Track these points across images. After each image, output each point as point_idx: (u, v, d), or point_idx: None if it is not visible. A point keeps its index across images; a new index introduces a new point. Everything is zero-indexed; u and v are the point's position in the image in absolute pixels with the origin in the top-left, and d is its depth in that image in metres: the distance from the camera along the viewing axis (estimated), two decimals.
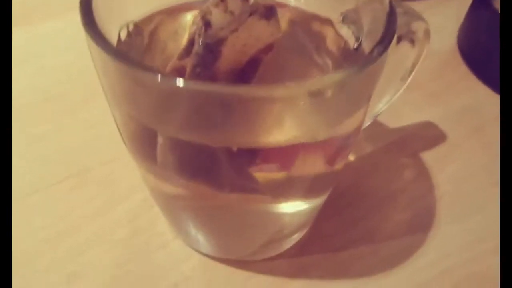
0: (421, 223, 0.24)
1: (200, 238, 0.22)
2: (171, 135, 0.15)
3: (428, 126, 0.29)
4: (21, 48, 0.33)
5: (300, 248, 0.23)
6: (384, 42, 0.15)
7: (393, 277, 0.22)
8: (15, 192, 0.24)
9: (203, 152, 0.16)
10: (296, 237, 0.23)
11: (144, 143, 0.17)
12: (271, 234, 0.22)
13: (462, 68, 0.33)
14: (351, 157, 0.27)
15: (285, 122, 0.15)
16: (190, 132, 0.15)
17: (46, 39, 0.34)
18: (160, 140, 0.16)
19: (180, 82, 0.12)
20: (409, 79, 0.22)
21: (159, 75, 0.12)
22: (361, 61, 0.14)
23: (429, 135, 0.28)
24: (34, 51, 0.33)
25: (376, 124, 0.28)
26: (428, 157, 0.27)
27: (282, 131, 0.15)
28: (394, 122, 0.29)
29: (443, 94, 0.31)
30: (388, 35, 0.15)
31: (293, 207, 0.21)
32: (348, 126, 0.17)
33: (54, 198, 0.25)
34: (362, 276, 0.22)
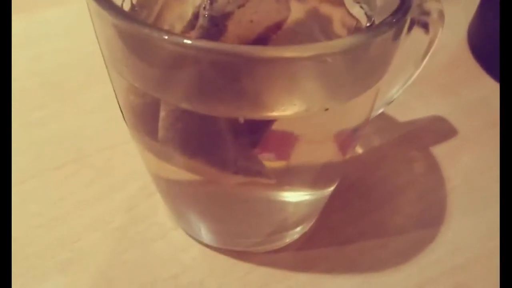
0: (431, 217, 0.23)
1: (202, 226, 0.21)
2: (176, 103, 0.14)
3: (439, 120, 0.28)
4: (20, 35, 0.33)
5: (306, 241, 0.22)
6: (398, 13, 0.14)
7: (403, 271, 0.21)
8: (12, 177, 0.23)
9: (206, 127, 0.15)
10: (301, 229, 0.22)
11: (145, 117, 0.17)
12: (275, 223, 0.21)
13: (472, 63, 0.33)
14: (359, 150, 0.26)
15: (295, 89, 0.14)
16: (195, 100, 0.14)
17: (46, 26, 0.34)
18: (162, 113, 0.16)
19: (188, 41, 0.11)
20: (423, 64, 0.21)
21: (167, 35, 0.11)
22: (374, 29, 0.13)
23: (440, 129, 0.28)
24: (33, 38, 0.33)
25: (385, 117, 0.28)
26: (439, 150, 0.26)
27: (290, 99, 0.14)
28: (403, 116, 0.28)
29: (453, 88, 0.31)
30: (403, 7, 0.15)
31: (298, 196, 0.20)
32: (358, 107, 0.17)
33: (50, 184, 0.24)
34: (371, 270, 0.21)
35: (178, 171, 0.19)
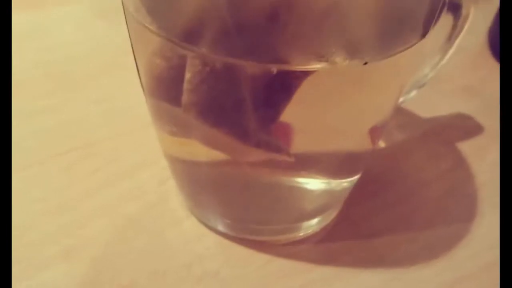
0: (461, 212, 0.21)
1: (218, 212, 0.19)
2: (205, 52, 0.13)
3: (463, 117, 0.27)
4: (28, 29, 0.32)
5: (328, 234, 0.20)
6: None
7: (434, 267, 0.19)
8: (14, 163, 0.22)
9: (231, 90, 0.14)
10: (321, 220, 0.20)
11: (169, 83, 0.15)
12: (293, 211, 0.19)
13: (493, 64, 0.32)
14: (382, 144, 0.25)
15: (338, 33, 0.12)
16: (227, 47, 0.13)
17: (55, 22, 0.33)
18: (188, 74, 0.14)
19: None
20: (457, 41, 0.20)
21: None
22: None
23: (465, 126, 0.26)
24: (41, 31, 0.32)
25: (407, 113, 0.27)
26: (465, 147, 0.25)
27: (331, 45, 0.13)
28: (426, 112, 0.27)
29: (476, 88, 0.30)
30: None
31: (317, 184, 0.19)
32: (395, 70, 0.15)
33: (54, 170, 0.22)
34: (400, 265, 0.19)
35: (196, 150, 0.18)
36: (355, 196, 0.21)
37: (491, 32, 0.33)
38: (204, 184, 0.19)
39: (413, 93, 0.21)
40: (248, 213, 0.19)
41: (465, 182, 0.23)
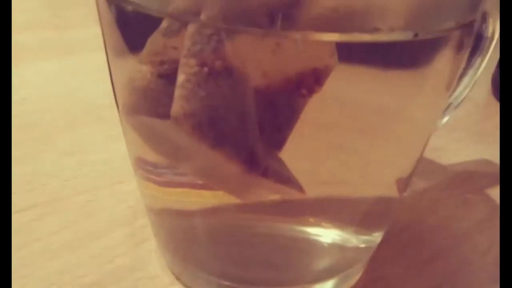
0: None
1: (214, 271, 0.15)
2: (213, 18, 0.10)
3: (486, 163, 0.24)
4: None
5: None
6: None
7: None
8: None
9: (235, 97, 0.11)
10: (339, 282, 0.16)
11: (156, 95, 0.12)
12: (304, 269, 0.15)
13: (497, 110, 0.30)
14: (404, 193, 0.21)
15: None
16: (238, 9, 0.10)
17: (31, 78, 0.31)
18: (181, 77, 0.11)
19: None
20: (489, 53, 0.17)
21: None
22: None
23: (490, 172, 0.23)
24: (16, 85, 0.29)
25: (426, 162, 0.24)
26: (496, 193, 0.21)
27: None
28: (446, 160, 0.24)
29: (489, 135, 0.27)
30: None
31: (331, 237, 0.15)
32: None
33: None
34: None
35: (188, 196, 0.14)
36: (382, 252, 0.17)
37: (494, 81, 0.32)
38: (197, 238, 0.15)
39: (448, 116, 0.18)
40: (250, 271, 0.15)
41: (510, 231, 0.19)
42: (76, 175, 0.21)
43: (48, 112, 0.27)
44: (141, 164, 0.15)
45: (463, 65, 0.15)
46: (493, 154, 0.25)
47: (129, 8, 0.11)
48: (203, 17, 0.11)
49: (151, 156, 0.15)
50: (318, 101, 0.12)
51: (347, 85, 0.12)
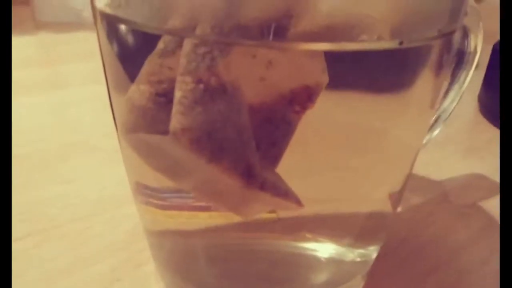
0: None
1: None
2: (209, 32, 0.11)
3: (478, 177, 0.24)
4: None
5: None
6: None
7: None
8: None
9: (231, 111, 0.12)
10: None
11: (154, 113, 0.12)
12: (303, 287, 0.15)
13: (489, 126, 0.31)
14: (398, 208, 0.21)
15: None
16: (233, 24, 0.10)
17: (24, 111, 0.31)
18: (178, 93, 0.12)
19: None
20: (472, 67, 0.18)
21: None
22: None
23: (483, 185, 0.24)
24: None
25: (418, 177, 0.24)
26: (491, 205, 0.22)
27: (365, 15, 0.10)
28: (437, 175, 0.24)
29: (478, 150, 0.28)
30: None
31: (331, 250, 0.15)
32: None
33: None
34: None
35: (187, 214, 0.14)
36: (380, 269, 0.17)
37: (480, 99, 0.33)
38: (197, 258, 0.15)
39: (438, 129, 0.19)
40: (249, 285, 0.15)
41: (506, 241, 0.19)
42: (72, 202, 0.21)
43: (42, 142, 0.27)
44: (140, 188, 0.16)
45: (446, 80, 0.16)
46: (483, 168, 0.25)
47: (129, 27, 0.12)
48: (198, 31, 0.11)
49: (151, 180, 0.15)
50: (313, 123, 0.13)
51: (338, 109, 0.13)
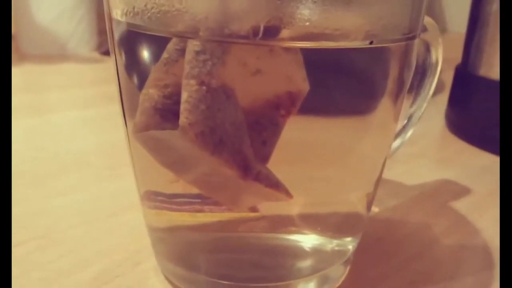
0: (480, 262, 0.19)
1: (213, 276, 0.16)
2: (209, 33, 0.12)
3: (448, 182, 0.27)
4: None
5: None
6: None
7: None
8: None
9: (230, 108, 0.14)
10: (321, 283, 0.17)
11: (162, 113, 0.14)
12: (289, 271, 0.17)
13: (457, 141, 0.33)
14: (376, 209, 0.23)
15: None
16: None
17: (19, 133, 0.32)
18: (184, 94, 0.14)
19: None
20: (436, 77, 0.20)
21: None
22: None
23: (453, 189, 0.26)
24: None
25: (394, 182, 0.26)
26: (460, 206, 0.24)
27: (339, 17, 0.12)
28: (411, 181, 0.26)
29: (450, 159, 0.30)
30: None
31: (313, 240, 0.17)
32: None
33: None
34: None
35: (191, 214, 0.16)
36: (363, 260, 0.19)
37: (447, 116, 0.36)
38: (200, 248, 0.17)
39: (410, 132, 0.21)
40: (244, 272, 0.16)
41: (472, 236, 0.21)
42: (69, 212, 0.22)
43: (37, 160, 0.28)
44: (149, 194, 0.17)
45: (407, 98, 0.18)
46: (452, 175, 0.28)
47: (140, 31, 0.14)
48: (202, 33, 0.13)
49: (160, 187, 0.17)
50: (296, 143, 0.15)
51: (313, 132, 0.15)
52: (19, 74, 0.52)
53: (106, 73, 0.53)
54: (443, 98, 0.37)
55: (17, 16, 0.60)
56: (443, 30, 0.72)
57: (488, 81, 0.31)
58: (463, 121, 0.33)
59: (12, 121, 0.34)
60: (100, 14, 0.66)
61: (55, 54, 0.59)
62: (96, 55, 0.62)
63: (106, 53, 0.61)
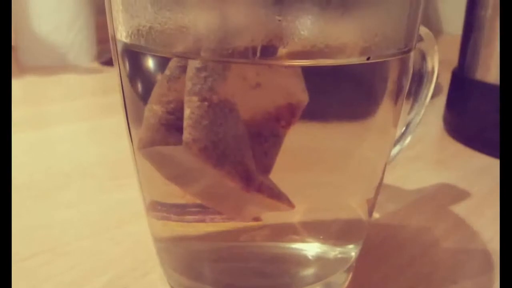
0: (479, 265, 0.20)
1: (218, 285, 0.17)
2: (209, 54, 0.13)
3: (447, 186, 0.27)
4: None
5: None
6: None
7: None
8: None
9: (231, 123, 0.14)
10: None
11: (166, 128, 0.15)
12: (293, 279, 0.17)
13: (454, 143, 0.34)
14: (377, 215, 0.24)
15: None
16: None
17: (22, 147, 0.33)
18: (187, 111, 0.14)
19: None
20: (432, 84, 0.20)
21: None
22: None
23: (452, 193, 0.26)
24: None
25: (393, 188, 0.27)
26: (460, 209, 0.24)
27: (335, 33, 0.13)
28: (410, 186, 0.27)
29: (447, 162, 0.31)
30: None
31: (316, 248, 0.17)
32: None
33: (19, 275, 0.19)
34: None
35: (194, 227, 0.16)
36: (365, 265, 0.19)
37: (445, 119, 0.36)
38: (204, 258, 0.17)
39: (408, 139, 0.21)
40: (249, 281, 0.17)
41: (471, 238, 0.22)
42: (75, 224, 0.23)
43: (41, 173, 0.28)
44: (155, 205, 0.17)
45: (407, 102, 0.19)
46: (450, 178, 0.28)
47: (143, 53, 0.14)
48: (203, 53, 0.13)
49: (165, 198, 0.17)
50: (297, 150, 0.16)
51: (314, 138, 0.16)
52: (19, 86, 0.53)
53: (106, 83, 0.53)
54: (441, 101, 0.38)
55: (17, 28, 0.61)
56: (439, 31, 0.72)
57: (484, 85, 0.31)
58: (460, 123, 0.34)
59: (15, 134, 0.35)
60: (98, 24, 0.66)
61: (55, 65, 0.60)
62: (96, 65, 0.62)
63: (106, 63, 0.61)
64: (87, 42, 0.63)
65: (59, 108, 0.44)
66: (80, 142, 0.35)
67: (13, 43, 0.63)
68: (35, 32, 0.60)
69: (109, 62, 0.62)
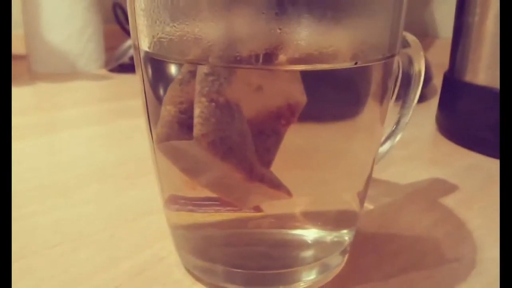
0: (467, 248, 0.22)
1: (228, 265, 0.19)
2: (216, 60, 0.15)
3: (439, 181, 0.29)
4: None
5: (336, 283, 0.20)
6: None
7: None
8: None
9: (237, 121, 0.16)
10: (322, 270, 0.20)
11: (180, 125, 0.17)
12: (293, 260, 0.19)
13: (447, 142, 0.36)
14: (371, 206, 0.25)
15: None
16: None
17: (36, 151, 0.35)
18: (197, 110, 0.16)
19: None
20: (419, 86, 0.22)
21: None
22: None
23: (443, 187, 0.28)
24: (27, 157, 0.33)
25: (387, 183, 0.28)
26: (450, 201, 0.26)
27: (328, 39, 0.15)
28: (403, 180, 0.29)
29: (441, 160, 0.33)
30: None
31: (316, 235, 0.20)
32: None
33: (45, 262, 0.21)
34: None
35: (209, 215, 0.19)
36: (357, 250, 0.21)
37: (438, 119, 0.38)
38: (217, 243, 0.19)
39: (399, 136, 0.23)
40: (254, 261, 0.19)
41: (461, 226, 0.24)
42: (96, 218, 0.25)
43: (60, 175, 0.30)
44: (173, 198, 0.20)
45: (393, 102, 0.21)
46: (441, 174, 0.30)
47: (160, 60, 0.16)
48: (211, 60, 0.15)
49: (182, 191, 0.19)
50: (290, 150, 0.17)
51: (307, 139, 0.18)
52: (32, 93, 0.55)
53: (114, 89, 0.56)
54: (435, 103, 0.40)
55: (29, 37, 0.63)
56: (434, 36, 0.74)
57: (473, 87, 0.33)
58: (452, 124, 0.36)
59: (29, 139, 0.37)
60: (106, 33, 0.69)
61: (66, 73, 0.63)
62: (104, 72, 0.64)
63: (113, 70, 0.64)
64: (96, 51, 0.65)
65: (70, 113, 0.46)
66: (93, 145, 0.37)
67: (25, 52, 0.65)
68: (47, 41, 0.63)
69: (116, 69, 0.65)
